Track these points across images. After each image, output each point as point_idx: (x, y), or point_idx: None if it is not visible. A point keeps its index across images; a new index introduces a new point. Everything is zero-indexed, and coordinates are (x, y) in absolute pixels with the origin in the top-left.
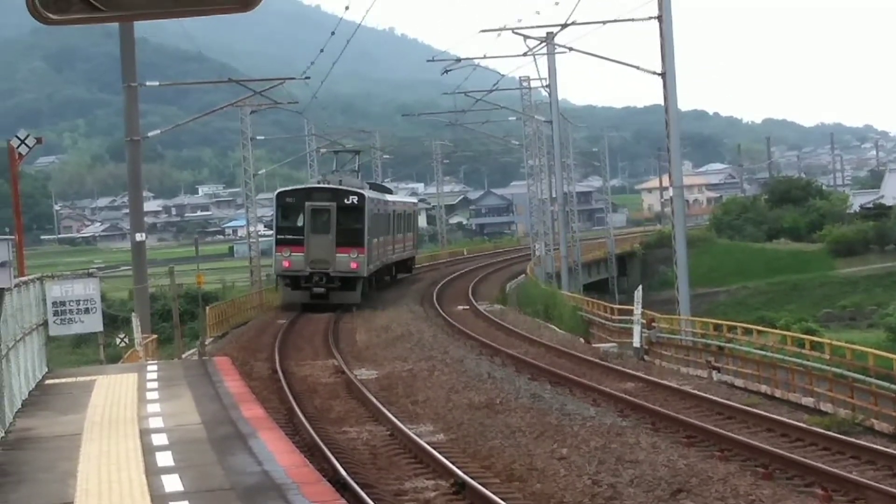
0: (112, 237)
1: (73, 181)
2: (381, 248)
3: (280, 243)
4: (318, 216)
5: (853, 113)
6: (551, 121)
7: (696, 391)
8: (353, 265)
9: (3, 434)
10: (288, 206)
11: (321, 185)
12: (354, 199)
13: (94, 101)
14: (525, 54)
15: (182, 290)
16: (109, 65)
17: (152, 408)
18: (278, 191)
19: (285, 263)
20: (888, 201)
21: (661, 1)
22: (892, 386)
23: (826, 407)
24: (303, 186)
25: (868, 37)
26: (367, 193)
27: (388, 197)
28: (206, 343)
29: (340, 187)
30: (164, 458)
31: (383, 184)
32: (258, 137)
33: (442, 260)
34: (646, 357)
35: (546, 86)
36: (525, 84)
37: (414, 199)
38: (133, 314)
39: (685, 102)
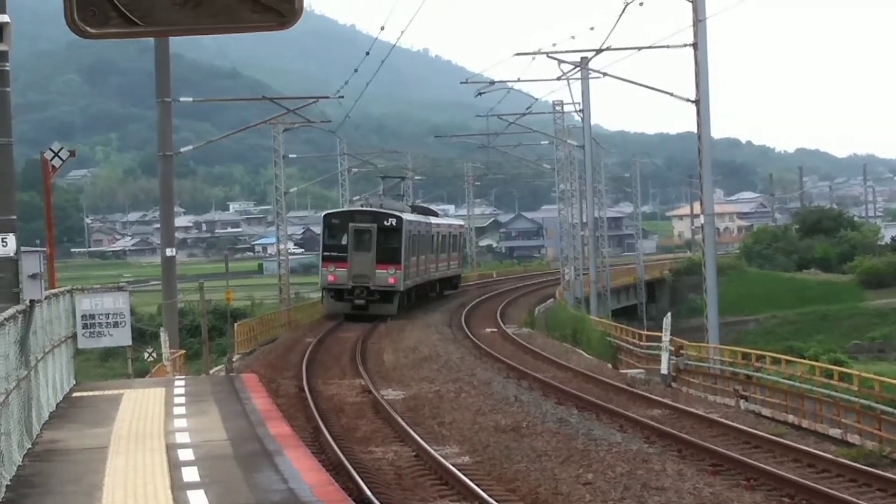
0: (142, 252)
1: (105, 195)
2: (421, 265)
3: (326, 259)
4: (360, 236)
5: (887, 144)
6: (583, 145)
7: (723, 419)
8: (391, 280)
9: (30, 445)
10: (334, 226)
11: (363, 209)
12: (393, 221)
13: (127, 115)
14: (559, 78)
15: (211, 306)
16: (143, 80)
17: (179, 423)
18: (325, 212)
19: (330, 278)
20: None
21: (696, 28)
22: None
23: (853, 438)
24: (347, 209)
25: None
26: (405, 216)
27: (432, 219)
28: (234, 360)
29: (381, 210)
30: (191, 474)
31: (428, 207)
32: (290, 155)
33: (471, 282)
34: (673, 384)
35: (579, 110)
36: (558, 108)
37: (460, 222)
38: (161, 329)
39: (718, 130)
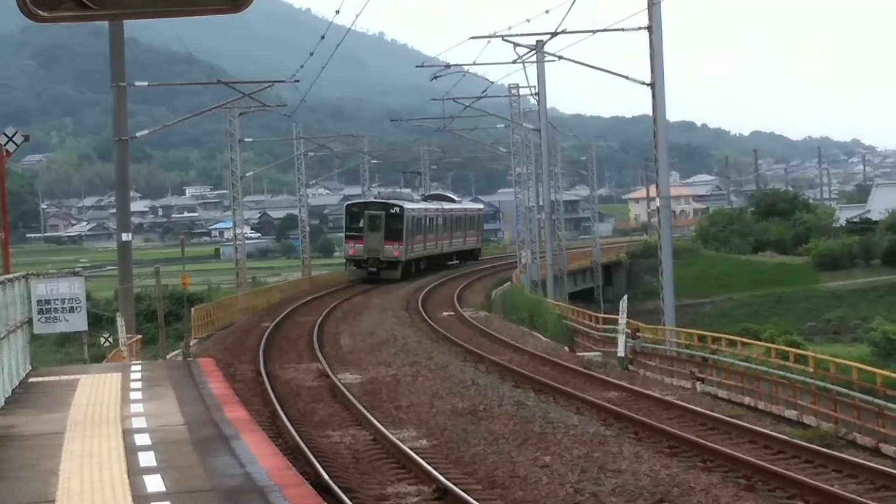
0: (98, 237)
1: (61, 180)
2: (424, 242)
3: (348, 238)
4: (373, 220)
5: (841, 127)
6: (539, 129)
7: (679, 402)
8: (396, 253)
9: None
10: (353, 213)
11: (376, 200)
12: (397, 209)
13: (82, 100)
14: (514, 62)
15: (167, 290)
16: (98, 64)
17: (135, 408)
18: (347, 203)
19: (351, 251)
20: (874, 216)
21: (650, 11)
22: (875, 400)
23: (809, 420)
24: (363, 201)
25: (856, 52)
26: (406, 205)
27: (444, 205)
28: (191, 344)
29: (388, 201)
30: (147, 459)
31: (445, 194)
32: (246, 140)
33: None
34: (630, 367)
35: (535, 94)
36: (514, 91)
37: (478, 206)
38: (118, 314)
39: (673, 113)
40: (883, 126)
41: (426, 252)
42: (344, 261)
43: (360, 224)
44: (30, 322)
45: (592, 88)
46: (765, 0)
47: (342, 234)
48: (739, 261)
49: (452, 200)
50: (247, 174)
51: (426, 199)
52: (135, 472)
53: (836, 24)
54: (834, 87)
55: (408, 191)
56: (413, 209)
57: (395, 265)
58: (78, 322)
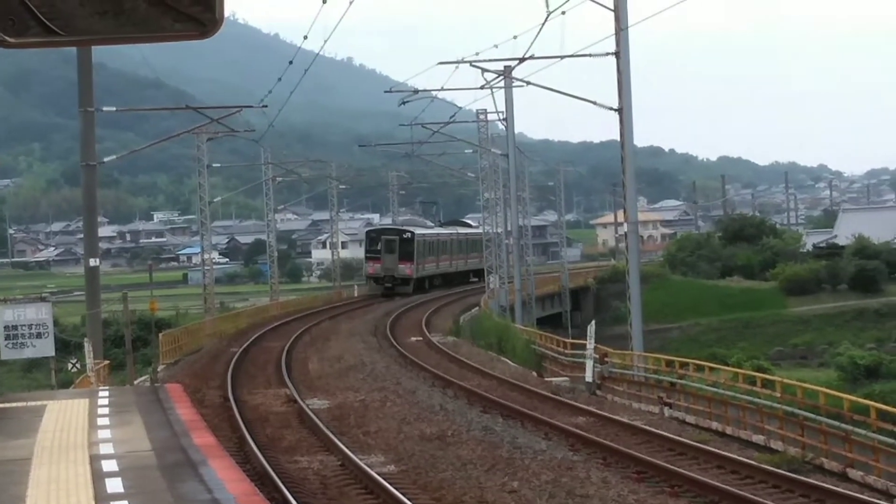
0: (66, 262)
1: (28, 205)
2: (436, 262)
3: (368, 259)
4: (389, 244)
5: (807, 153)
6: (507, 154)
7: (647, 427)
8: (408, 272)
9: None
10: (372, 238)
11: (390, 227)
12: (408, 234)
13: (50, 125)
14: (482, 87)
15: (135, 316)
16: (66, 89)
17: (103, 434)
18: (367, 229)
19: (370, 270)
20: (841, 241)
21: (618, 37)
22: (842, 425)
23: (776, 445)
24: (381, 227)
25: (822, 79)
26: (417, 230)
27: (459, 229)
28: (159, 370)
29: (401, 227)
30: (114, 485)
31: (462, 220)
32: (214, 165)
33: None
34: (598, 392)
35: (503, 119)
36: (482, 117)
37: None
38: (85, 339)
39: (641, 138)
40: (850, 152)
41: (438, 270)
42: (365, 279)
43: (378, 247)
44: None
45: (560, 114)
46: (731, 24)
47: (310, 260)
48: (707, 286)
49: (468, 225)
50: (215, 199)
51: (443, 224)
52: (102, 499)
53: (801, 50)
54: (801, 114)
55: (421, 218)
56: (424, 234)
57: (408, 282)
58: (45, 347)
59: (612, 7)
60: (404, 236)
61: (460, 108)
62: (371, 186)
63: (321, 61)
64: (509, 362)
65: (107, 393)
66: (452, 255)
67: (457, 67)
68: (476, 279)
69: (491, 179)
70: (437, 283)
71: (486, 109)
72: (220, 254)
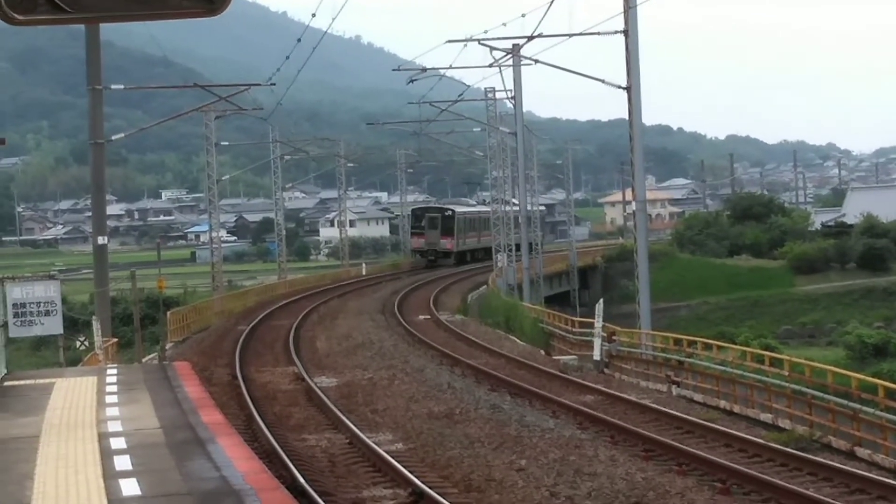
0: (74, 240)
1: (36, 183)
2: (478, 237)
3: (413, 234)
4: (432, 221)
5: (816, 131)
6: (516, 132)
7: (655, 405)
8: (449, 246)
9: None
10: (417, 215)
11: (434, 205)
12: (450, 212)
13: (58, 103)
14: (491, 65)
15: (143, 294)
16: (74, 67)
17: (111, 411)
18: (412, 208)
19: (415, 245)
20: (849, 219)
21: (626, 15)
22: (850, 403)
23: (784, 423)
24: (425, 206)
25: (832, 57)
26: (457, 209)
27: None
28: (167, 348)
29: (443, 206)
30: (123, 462)
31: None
32: (222, 143)
33: (404, 269)
34: (606, 370)
35: (511, 97)
36: (490, 95)
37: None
38: (94, 317)
39: (649, 117)
40: (858, 130)
41: (479, 245)
42: (410, 253)
43: (422, 223)
44: (5, 325)
45: (569, 92)
46: (741, 7)
47: (318, 238)
48: (715, 264)
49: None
50: (223, 177)
51: (483, 203)
52: (110, 476)
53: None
54: (810, 92)
55: (465, 199)
56: (464, 212)
57: (449, 254)
58: (53, 325)
59: None
60: (446, 214)
61: (468, 86)
62: (379, 165)
63: (329, 39)
64: (517, 340)
65: (115, 371)
66: (490, 230)
67: (465, 45)
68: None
69: (499, 158)
70: (480, 256)
71: (494, 88)
72: (228, 232)
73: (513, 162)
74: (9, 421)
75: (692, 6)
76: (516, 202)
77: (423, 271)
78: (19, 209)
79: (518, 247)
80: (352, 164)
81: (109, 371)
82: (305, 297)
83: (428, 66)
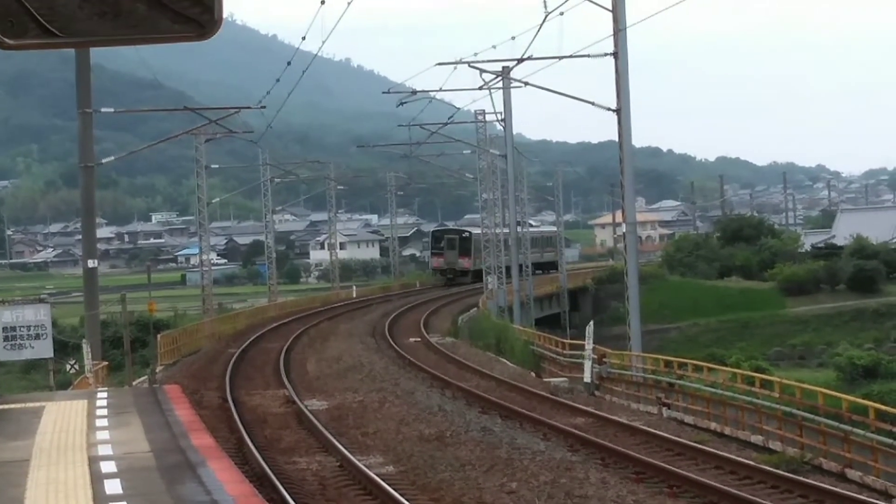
0: (64, 263)
1: (26, 206)
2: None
3: (433, 254)
4: (450, 242)
5: (806, 153)
6: (506, 155)
7: (646, 427)
8: (466, 265)
9: None
10: (437, 237)
11: (453, 228)
12: (467, 234)
13: (48, 126)
14: (481, 88)
15: (133, 317)
16: (65, 90)
17: (102, 435)
18: (433, 229)
19: (435, 264)
20: (839, 241)
21: (616, 38)
22: (841, 425)
23: (775, 445)
24: (444, 228)
25: (821, 78)
26: (474, 231)
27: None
28: (157, 371)
29: (460, 228)
30: (113, 486)
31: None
32: (213, 166)
33: (395, 292)
34: (596, 392)
35: (501, 120)
36: (480, 117)
37: (554, 229)
38: (84, 341)
39: (639, 139)
40: (848, 152)
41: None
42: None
43: (442, 245)
44: None
45: (559, 114)
46: (728, 24)
47: (308, 261)
48: (705, 286)
49: (530, 225)
50: (213, 200)
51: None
52: (101, 500)
53: (800, 47)
54: (799, 114)
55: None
56: (480, 234)
57: (466, 273)
58: (44, 349)
59: (611, 7)
60: (463, 235)
61: (458, 108)
62: (369, 187)
63: (319, 62)
64: (508, 363)
65: (105, 394)
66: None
67: (455, 68)
68: (540, 272)
69: (489, 180)
70: None
71: (484, 110)
72: (218, 255)
73: (503, 184)
74: None
75: (684, 27)
76: (535, 223)
77: (414, 293)
78: (9, 232)
79: (509, 269)
80: (342, 187)
81: (100, 394)
82: (296, 320)
83: (418, 89)
